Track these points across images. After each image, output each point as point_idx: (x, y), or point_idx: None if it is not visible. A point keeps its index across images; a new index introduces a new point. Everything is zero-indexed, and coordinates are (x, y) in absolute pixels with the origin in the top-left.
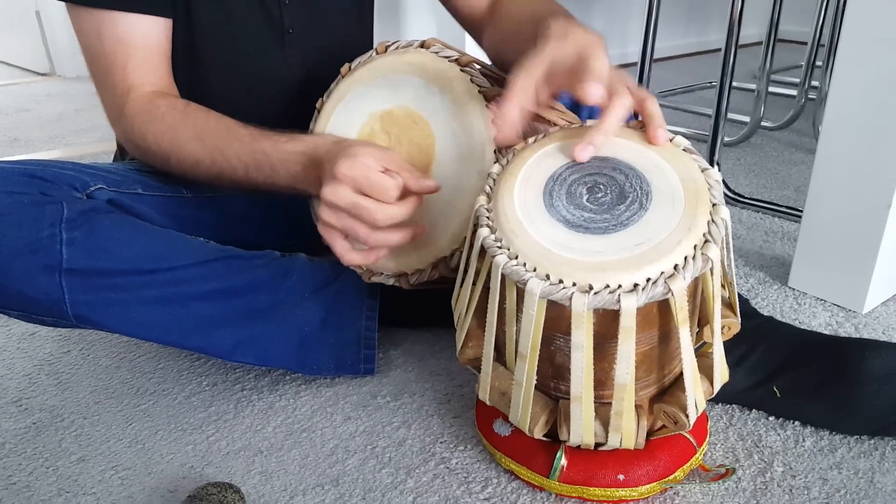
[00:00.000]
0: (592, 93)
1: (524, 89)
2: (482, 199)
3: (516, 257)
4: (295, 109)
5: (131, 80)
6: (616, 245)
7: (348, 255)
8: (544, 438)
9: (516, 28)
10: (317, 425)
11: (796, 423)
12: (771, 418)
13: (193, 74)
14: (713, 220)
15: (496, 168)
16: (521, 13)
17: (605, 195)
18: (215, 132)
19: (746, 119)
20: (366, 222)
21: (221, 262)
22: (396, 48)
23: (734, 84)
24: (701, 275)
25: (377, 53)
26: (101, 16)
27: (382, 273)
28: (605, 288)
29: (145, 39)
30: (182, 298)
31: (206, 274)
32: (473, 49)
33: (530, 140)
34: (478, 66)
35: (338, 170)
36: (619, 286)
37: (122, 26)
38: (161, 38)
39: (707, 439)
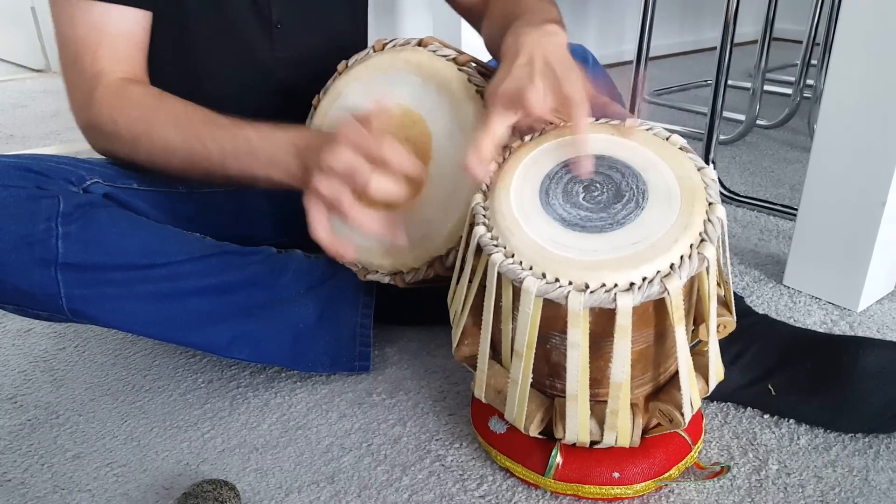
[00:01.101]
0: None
1: (497, 130)
2: (478, 197)
3: (512, 255)
4: (286, 105)
5: (101, 65)
6: (612, 244)
7: (322, 231)
8: (539, 436)
9: (504, 24)
10: (312, 423)
11: (791, 421)
12: (766, 416)
13: (185, 68)
14: (709, 219)
15: (493, 166)
16: (509, 11)
17: (602, 194)
18: (194, 118)
19: (742, 117)
20: (358, 185)
21: (218, 258)
22: (394, 46)
23: (729, 82)
24: (697, 273)
25: (374, 51)
26: (77, 1)
27: (378, 271)
28: (601, 287)
29: (119, 28)
30: (178, 294)
31: (202, 269)
32: (470, 48)
33: (527, 138)
34: (475, 65)
35: (341, 133)
36: (616, 285)
37: (97, 14)
38: (136, 28)
39: (702, 437)
